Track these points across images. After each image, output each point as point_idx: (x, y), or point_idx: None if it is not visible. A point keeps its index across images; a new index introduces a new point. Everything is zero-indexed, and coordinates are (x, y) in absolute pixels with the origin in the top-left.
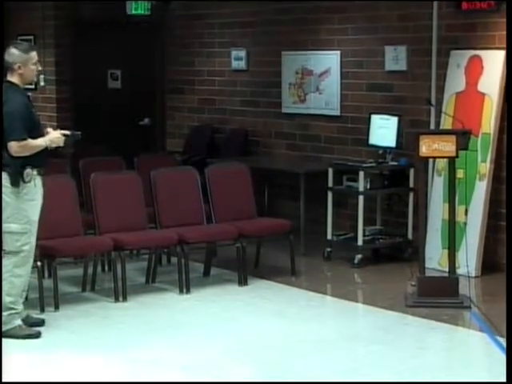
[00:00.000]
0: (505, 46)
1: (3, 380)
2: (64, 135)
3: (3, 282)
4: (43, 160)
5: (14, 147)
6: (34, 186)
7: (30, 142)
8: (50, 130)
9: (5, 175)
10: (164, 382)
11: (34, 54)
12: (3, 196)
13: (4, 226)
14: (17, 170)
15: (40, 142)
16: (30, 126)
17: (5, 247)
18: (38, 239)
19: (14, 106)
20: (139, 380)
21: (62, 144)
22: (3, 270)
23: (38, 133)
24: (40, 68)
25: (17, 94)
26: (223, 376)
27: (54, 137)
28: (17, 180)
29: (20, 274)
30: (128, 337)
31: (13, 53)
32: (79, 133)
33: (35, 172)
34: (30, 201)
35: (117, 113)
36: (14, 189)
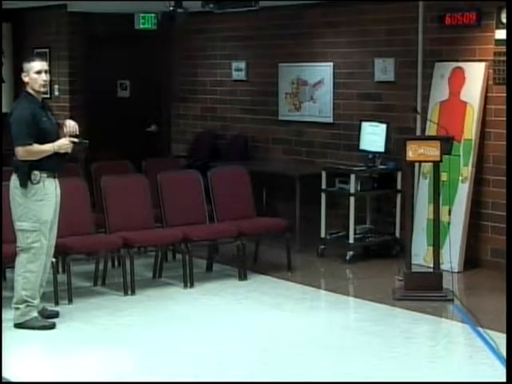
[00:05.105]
0: (484, 58)
1: (17, 369)
2: (72, 142)
3: (19, 277)
4: (55, 164)
5: (20, 152)
6: (43, 188)
7: (36, 147)
8: (67, 122)
9: (14, 177)
10: (164, 382)
11: (36, 64)
12: (15, 197)
13: (17, 224)
14: (24, 172)
15: (47, 148)
16: (37, 132)
17: (18, 244)
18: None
19: (20, 113)
20: (148, 368)
21: (69, 151)
22: (19, 265)
23: (47, 139)
24: (45, 78)
25: (25, 102)
26: (226, 363)
27: (61, 143)
28: (25, 182)
29: (33, 269)
30: (137, 328)
31: (23, 64)
32: (86, 141)
33: (44, 175)
34: (38, 201)
35: (126, 120)
36: (23, 190)
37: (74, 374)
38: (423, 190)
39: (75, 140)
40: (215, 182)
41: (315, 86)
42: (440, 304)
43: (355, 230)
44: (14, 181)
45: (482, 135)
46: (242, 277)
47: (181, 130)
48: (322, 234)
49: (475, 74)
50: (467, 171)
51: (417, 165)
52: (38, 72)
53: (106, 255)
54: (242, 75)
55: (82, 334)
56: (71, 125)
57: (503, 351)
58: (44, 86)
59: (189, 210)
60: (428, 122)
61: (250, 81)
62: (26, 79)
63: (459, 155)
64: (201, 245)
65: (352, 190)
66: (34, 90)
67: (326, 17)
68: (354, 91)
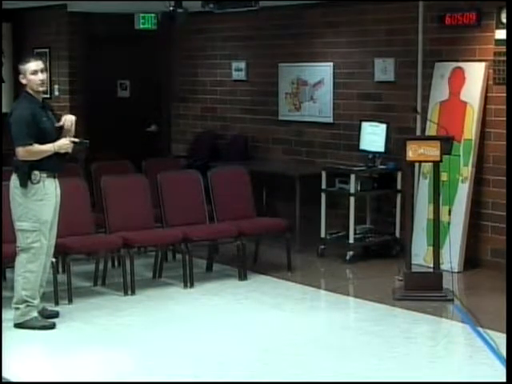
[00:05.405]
0: (484, 58)
1: (17, 370)
2: (73, 142)
3: (19, 277)
4: (55, 164)
5: (20, 152)
6: (43, 187)
7: (36, 147)
8: (64, 117)
9: (14, 177)
10: (164, 382)
11: (30, 65)
12: (15, 196)
13: (17, 224)
14: (24, 172)
15: (47, 148)
16: (37, 132)
17: (18, 244)
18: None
19: (20, 113)
20: (148, 368)
21: (70, 151)
22: (19, 265)
23: (47, 139)
24: (42, 77)
25: (25, 102)
26: (226, 363)
27: (62, 143)
28: (24, 181)
29: (33, 269)
30: (137, 328)
31: (19, 66)
32: (87, 141)
33: (44, 174)
34: (38, 201)
35: (126, 120)
36: (23, 190)
37: (74, 373)
38: (423, 189)
39: (76, 140)
40: (215, 182)
41: (315, 85)
42: (440, 304)
43: (355, 229)
44: (14, 181)
45: (482, 135)
46: (242, 277)
47: (181, 130)
48: (322, 234)
49: (475, 74)
50: (467, 171)
51: (417, 165)
52: (34, 72)
53: (106, 255)
54: (242, 75)
55: (82, 333)
56: (67, 119)
57: (503, 351)
58: (42, 85)
59: (189, 210)
60: (428, 122)
61: (250, 81)
62: (23, 81)
63: (459, 155)
64: (201, 245)
65: (352, 190)
66: (33, 90)
67: (325, 17)
68: (354, 91)
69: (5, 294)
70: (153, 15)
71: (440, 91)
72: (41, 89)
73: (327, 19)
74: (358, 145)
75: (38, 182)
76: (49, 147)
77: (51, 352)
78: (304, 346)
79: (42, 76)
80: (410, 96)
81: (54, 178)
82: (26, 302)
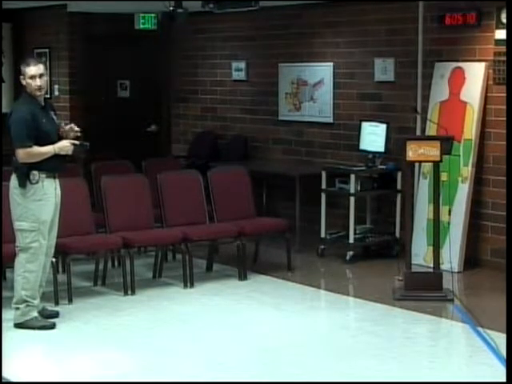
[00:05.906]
0: (484, 58)
1: (17, 368)
2: (73, 144)
3: (18, 277)
4: (55, 164)
5: (20, 154)
6: (42, 188)
7: (36, 149)
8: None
9: (14, 177)
10: (164, 382)
11: (30, 69)
12: (14, 196)
13: (16, 223)
14: (24, 172)
15: (47, 149)
16: (37, 133)
17: (17, 244)
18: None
19: (19, 114)
20: (148, 368)
21: (70, 152)
22: (18, 265)
23: (47, 140)
24: (39, 83)
25: (25, 103)
26: (226, 363)
27: (62, 145)
28: (23, 182)
29: (32, 269)
30: (137, 328)
31: (20, 66)
32: (87, 144)
33: (44, 175)
34: (36, 201)
35: (126, 120)
36: (22, 190)
37: (74, 373)
38: (423, 189)
39: (76, 142)
40: (215, 182)
41: (315, 85)
42: (440, 304)
43: (355, 230)
44: (14, 181)
45: (482, 135)
46: (242, 277)
47: (181, 130)
48: (322, 234)
49: (475, 73)
50: (467, 171)
51: (417, 165)
52: (32, 77)
53: (106, 255)
54: (242, 75)
55: (82, 333)
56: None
57: (503, 351)
58: (39, 90)
59: (189, 210)
60: (428, 122)
61: (250, 81)
62: (23, 82)
63: (459, 155)
64: (201, 245)
65: (352, 190)
66: (30, 92)
67: (325, 17)
68: (354, 91)
69: (5, 294)
70: (153, 15)
71: (440, 91)
72: (38, 93)
73: (327, 19)
74: (358, 145)
75: (37, 182)
76: (49, 149)
77: (51, 352)
78: (304, 346)
79: (40, 82)
80: (410, 96)
81: (54, 178)
82: (26, 301)
